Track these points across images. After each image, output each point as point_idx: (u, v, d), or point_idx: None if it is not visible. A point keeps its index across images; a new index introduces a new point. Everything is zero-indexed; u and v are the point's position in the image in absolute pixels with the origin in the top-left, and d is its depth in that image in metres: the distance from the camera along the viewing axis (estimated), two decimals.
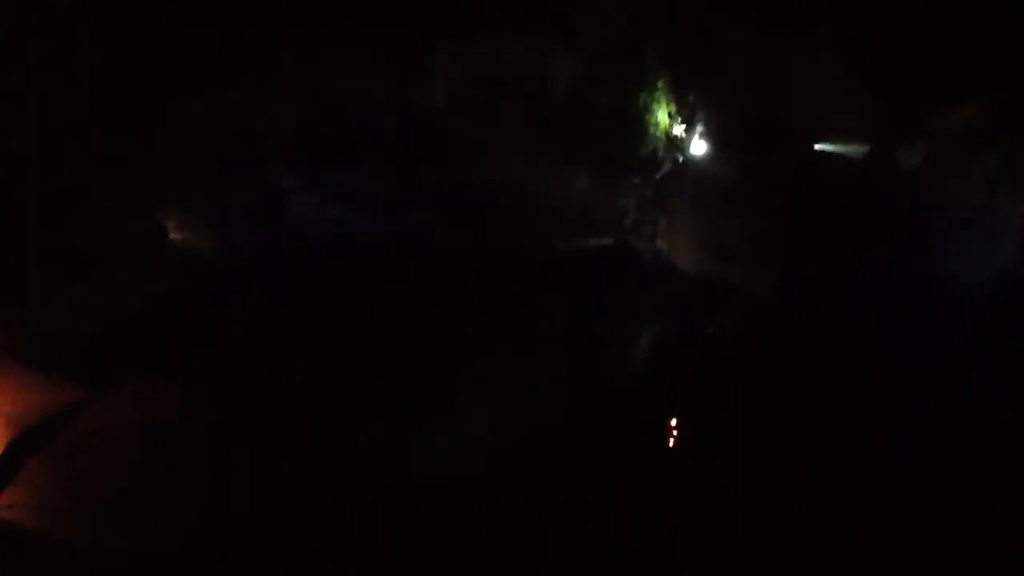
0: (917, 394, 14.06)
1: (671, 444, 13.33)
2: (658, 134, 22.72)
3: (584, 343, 16.43)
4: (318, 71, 21.07)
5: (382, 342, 15.34)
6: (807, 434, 12.80)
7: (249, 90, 20.55)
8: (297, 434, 11.95)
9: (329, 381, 13.69)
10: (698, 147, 23.20)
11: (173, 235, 19.28)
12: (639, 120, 22.28)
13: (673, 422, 13.71)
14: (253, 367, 13.90)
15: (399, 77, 21.78)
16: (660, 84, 22.55)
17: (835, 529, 10.34)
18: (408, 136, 21.66)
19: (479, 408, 13.03)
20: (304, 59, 20.87)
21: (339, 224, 20.75)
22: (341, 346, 15.02)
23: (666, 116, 22.84)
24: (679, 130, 23.17)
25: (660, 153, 22.79)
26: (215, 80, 20.14)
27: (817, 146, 21.94)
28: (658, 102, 22.54)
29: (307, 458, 11.37)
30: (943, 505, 11.03)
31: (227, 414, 12.42)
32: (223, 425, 12.15)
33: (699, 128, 23.46)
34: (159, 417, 12.14)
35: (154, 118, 18.04)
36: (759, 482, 11.37)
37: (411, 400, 13.24)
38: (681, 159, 23.04)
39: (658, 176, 22.30)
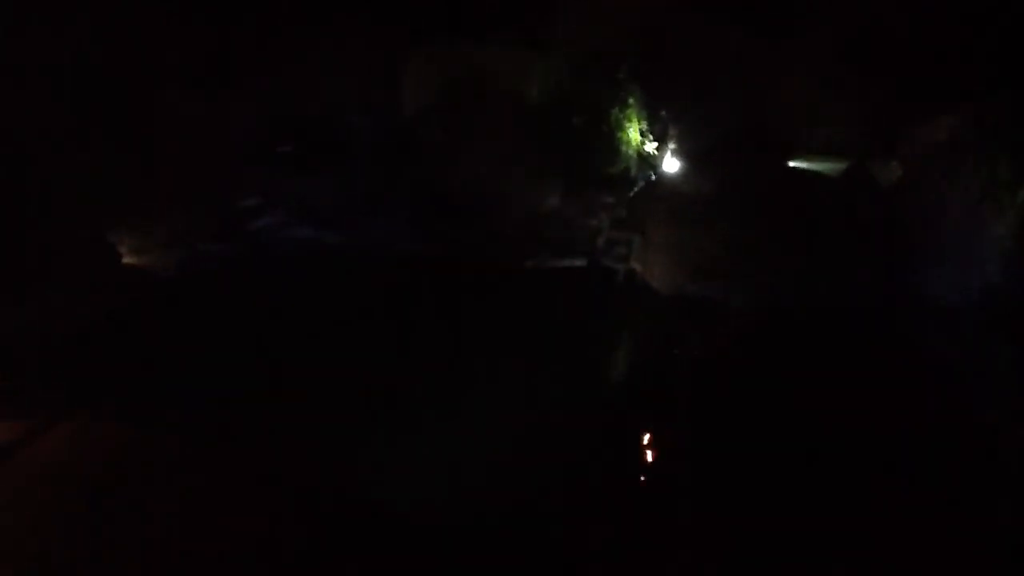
0: (904, 414, 13.41)
1: (642, 475, 12.47)
2: (630, 152, 22.22)
3: (555, 366, 15.61)
4: (280, 78, 20.33)
5: (344, 366, 14.42)
6: (784, 458, 12.10)
7: (207, 100, 19.77)
8: (250, 468, 11.12)
9: (287, 409, 12.80)
10: (671, 165, 22.70)
11: (125, 257, 18.37)
12: (611, 137, 21.75)
13: (645, 448, 12.92)
14: (204, 397, 12.88)
15: (367, 84, 21.08)
16: (632, 101, 22.07)
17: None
18: (377, 148, 20.93)
19: (443, 434, 12.28)
20: (266, 65, 20.13)
21: (304, 242, 19.89)
22: (300, 371, 14.10)
23: (638, 133, 22.36)
24: (651, 147, 22.70)
25: (633, 171, 22.28)
26: (170, 90, 19.35)
27: (792, 163, 21.51)
28: (630, 119, 22.06)
29: (260, 495, 10.56)
30: (933, 526, 10.48)
31: (171, 450, 11.48)
32: (168, 463, 11.21)
33: (671, 145, 23.01)
34: (94, 456, 11.20)
35: (99, 130, 17.13)
36: (733, 514, 10.72)
37: (374, 426, 12.41)
38: (654, 177, 22.54)
39: (631, 195, 21.70)
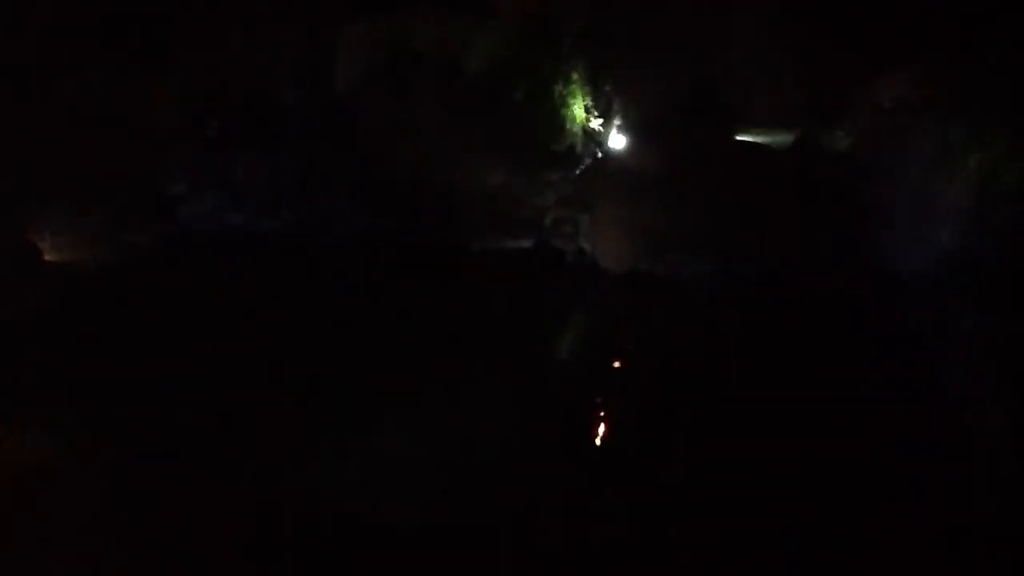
0: (867, 384, 13.07)
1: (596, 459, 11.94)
2: (575, 128, 21.60)
3: (504, 352, 14.93)
4: (209, 52, 19.14)
5: (285, 359, 13.63)
6: (747, 440, 11.58)
7: (128, 77, 18.52)
8: (187, 474, 10.29)
9: (225, 407, 11.95)
10: (617, 141, 22.15)
11: (47, 254, 17.17)
12: (556, 113, 21.10)
13: (598, 434, 12.40)
14: (138, 402, 12.04)
15: (301, 57, 19.97)
16: (576, 76, 21.43)
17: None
18: (315, 124, 19.85)
19: (392, 427, 11.60)
20: (192, 40, 18.92)
21: (236, 228, 18.83)
22: (239, 366, 13.22)
23: (583, 110, 21.74)
24: (597, 124, 22.11)
25: (578, 148, 21.66)
26: (87, 66, 18.05)
27: (740, 135, 21.11)
28: (574, 95, 21.42)
29: (201, 501, 9.76)
30: (904, 503, 10.09)
31: (104, 459, 10.60)
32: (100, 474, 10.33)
33: (617, 122, 22.45)
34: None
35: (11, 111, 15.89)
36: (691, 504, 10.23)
37: (320, 423, 11.68)
38: (600, 154, 21.95)
39: (578, 172, 21.09)
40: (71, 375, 12.79)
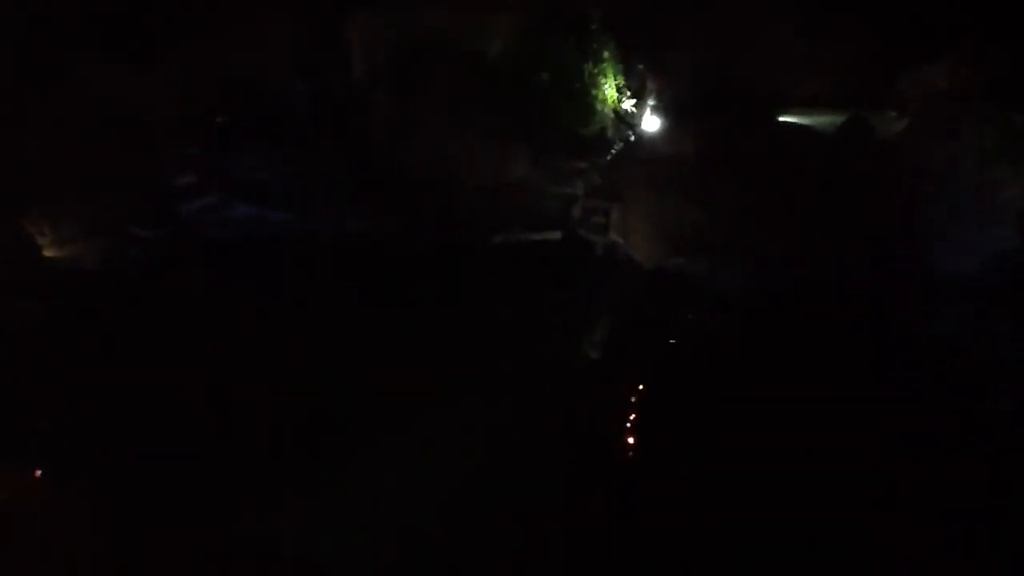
0: (908, 400, 12.00)
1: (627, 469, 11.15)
2: (606, 110, 20.29)
3: (531, 353, 14.01)
4: (214, 43, 18.26)
5: (299, 370, 12.82)
6: (783, 451, 10.94)
7: (133, 69, 17.72)
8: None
9: (225, 422, 11.31)
10: (650, 123, 20.79)
11: (45, 250, 16.49)
12: (584, 95, 19.79)
13: (631, 440, 11.60)
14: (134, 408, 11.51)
15: (310, 47, 19.04)
16: (606, 54, 20.07)
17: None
18: (322, 117, 18.96)
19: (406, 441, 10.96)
20: (198, 28, 18.03)
21: (245, 224, 17.99)
22: (240, 372, 12.55)
23: (614, 90, 20.40)
24: (628, 104, 20.77)
25: (609, 132, 20.37)
26: (90, 58, 17.30)
27: (783, 117, 19.64)
28: (605, 74, 20.08)
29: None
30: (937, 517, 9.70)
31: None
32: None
33: (651, 102, 21.07)
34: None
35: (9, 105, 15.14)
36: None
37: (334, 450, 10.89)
38: (632, 138, 20.63)
39: (608, 158, 19.81)
40: (68, 376, 12.19)
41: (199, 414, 11.60)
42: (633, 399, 12.73)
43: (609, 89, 20.18)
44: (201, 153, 17.85)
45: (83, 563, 8.78)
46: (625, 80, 20.63)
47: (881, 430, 11.38)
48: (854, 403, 11.99)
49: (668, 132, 20.09)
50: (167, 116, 17.41)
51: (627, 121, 20.66)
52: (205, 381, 12.42)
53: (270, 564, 8.89)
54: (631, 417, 12.18)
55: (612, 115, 20.39)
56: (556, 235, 18.21)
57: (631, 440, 11.66)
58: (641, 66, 20.82)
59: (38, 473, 10.40)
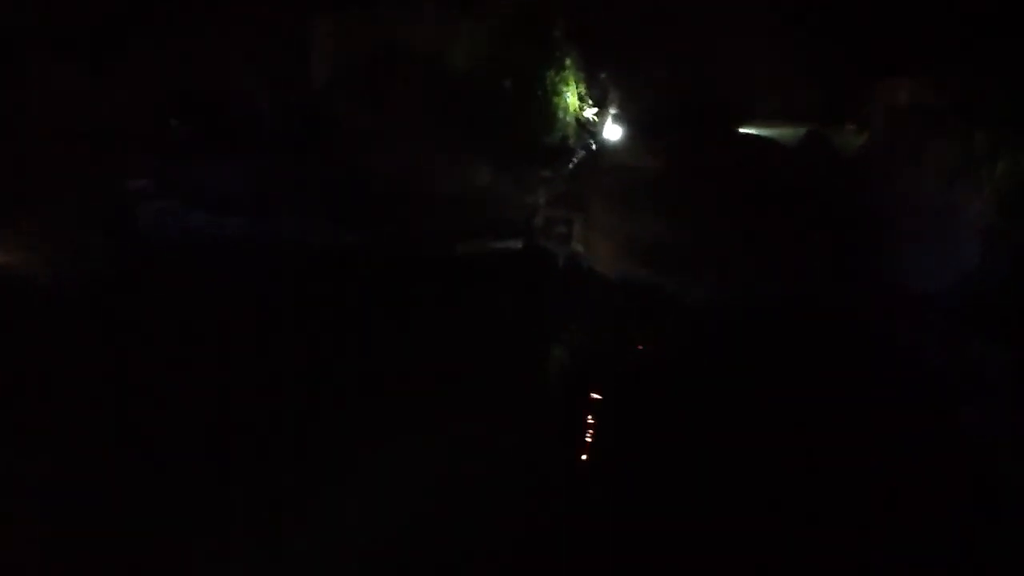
0: (875, 419, 12.04)
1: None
2: (568, 118, 20.20)
3: (492, 365, 13.83)
4: (173, 48, 17.82)
5: (258, 386, 12.33)
6: (749, 458, 10.86)
7: (90, 73, 17.22)
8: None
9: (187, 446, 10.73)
10: (612, 132, 20.76)
11: None
12: (547, 103, 19.69)
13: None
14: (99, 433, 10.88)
15: (271, 55, 18.70)
16: (568, 62, 20.00)
17: None
18: (283, 124, 18.63)
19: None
20: (157, 32, 17.57)
21: (204, 232, 17.57)
22: (207, 397, 11.93)
23: (576, 98, 20.33)
24: (591, 113, 20.71)
25: (571, 140, 20.28)
26: (47, 62, 16.76)
27: (745, 129, 19.76)
28: (567, 82, 20.00)
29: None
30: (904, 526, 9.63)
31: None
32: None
33: (612, 110, 21.04)
34: None
35: None
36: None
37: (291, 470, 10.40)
38: (594, 146, 20.56)
39: (570, 167, 19.74)
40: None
41: (155, 426, 11.18)
42: (594, 407, 12.67)
43: (571, 97, 20.11)
44: (161, 160, 17.35)
45: None
46: (587, 89, 20.57)
47: (851, 440, 11.39)
48: (823, 412, 12.01)
49: (631, 142, 20.08)
50: (125, 122, 16.90)
51: (589, 129, 20.61)
52: (161, 391, 12.01)
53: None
54: (591, 425, 12.08)
55: (574, 123, 20.31)
56: (517, 244, 18.13)
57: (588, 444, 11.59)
58: (604, 75, 20.77)
59: None
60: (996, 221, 14.16)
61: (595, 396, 13.11)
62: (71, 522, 9.10)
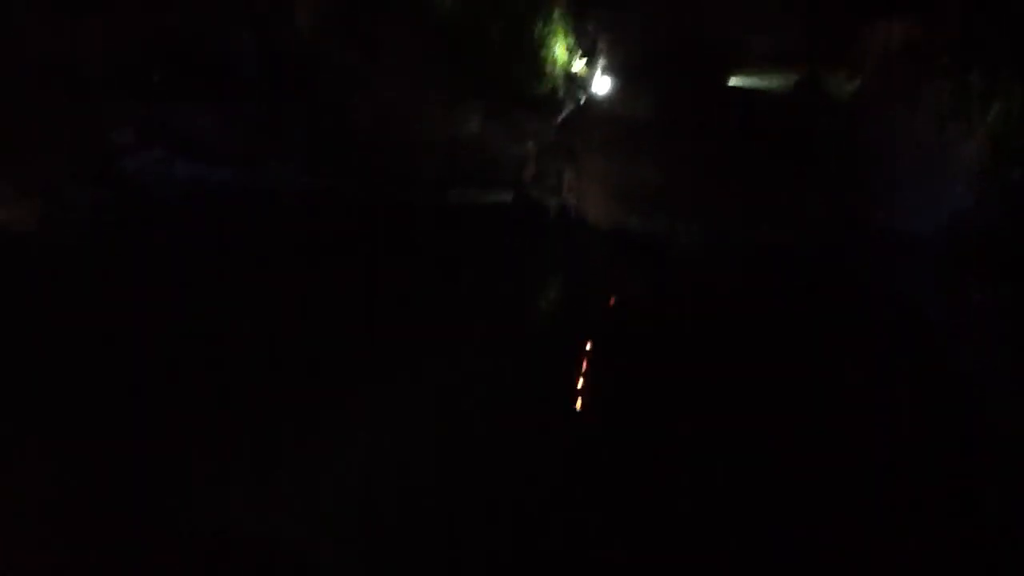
0: (870, 363, 12.07)
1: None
2: (557, 71, 19.99)
3: (486, 313, 13.81)
4: None
5: (252, 339, 12.27)
6: (735, 408, 10.98)
7: (69, 17, 16.74)
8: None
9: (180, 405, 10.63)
10: (602, 84, 20.57)
11: None
12: (535, 55, 19.45)
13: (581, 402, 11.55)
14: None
15: None
16: (556, 14, 19.74)
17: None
18: (270, 70, 18.16)
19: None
20: None
21: (189, 181, 17.23)
22: (198, 353, 11.82)
23: (565, 50, 20.10)
24: (579, 65, 20.50)
25: (560, 92, 20.08)
26: (22, 5, 16.33)
27: (735, 77, 19.57)
28: (555, 34, 19.76)
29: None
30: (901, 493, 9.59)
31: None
32: None
33: (602, 62, 20.83)
34: None
35: None
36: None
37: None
38: (584, 99, 20.39)
39: (560, 119, 19.56)
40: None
41: (150, 383, 11.07)
42: (587, 352, 12.64)
43: (560, 49, 19.88)
44: (142, 107, 16.93)
45: None
46: (576, 41, 20.33)
47: (842, 391, 11.44)
48: (814, 363, 12.04)
49: (620, 92, 19.91)
50: (105, 67, 16.47)
51: (578, 82, 20.41)
52: (155, 348, 11.87)
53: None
54: (583, 370, 12.05)
55: (563, 76, 20.10)
56: (508, 195, 17.99)
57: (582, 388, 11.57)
58: (591, 27, 20.52)
59: None
60: (988, 163, 14.15)
61: (586, 341, 13.10)
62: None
